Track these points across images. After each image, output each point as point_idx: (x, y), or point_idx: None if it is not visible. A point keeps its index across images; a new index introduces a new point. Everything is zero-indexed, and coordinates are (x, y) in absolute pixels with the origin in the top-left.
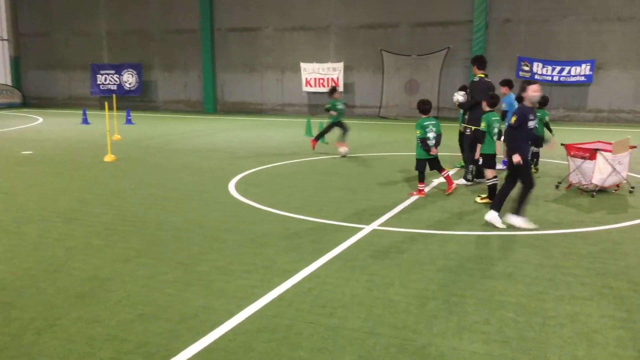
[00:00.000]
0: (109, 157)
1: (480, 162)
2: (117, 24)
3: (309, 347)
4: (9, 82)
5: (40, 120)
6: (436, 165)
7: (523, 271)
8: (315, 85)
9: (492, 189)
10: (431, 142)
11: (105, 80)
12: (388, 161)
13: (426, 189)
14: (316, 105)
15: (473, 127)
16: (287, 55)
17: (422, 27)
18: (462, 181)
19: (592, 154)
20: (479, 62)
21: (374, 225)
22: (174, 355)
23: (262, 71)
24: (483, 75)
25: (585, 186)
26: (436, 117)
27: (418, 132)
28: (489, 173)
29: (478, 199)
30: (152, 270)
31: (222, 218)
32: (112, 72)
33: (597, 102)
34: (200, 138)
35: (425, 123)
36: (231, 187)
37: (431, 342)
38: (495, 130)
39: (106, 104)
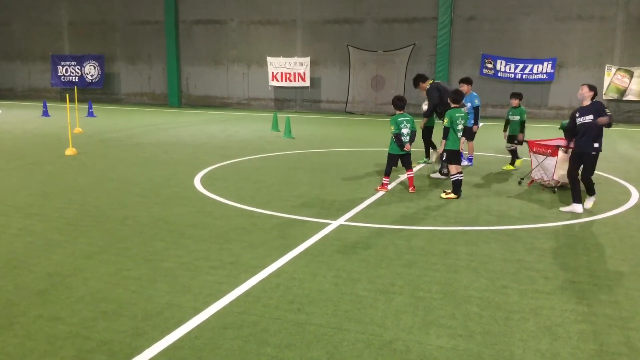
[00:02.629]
0: (70, 151)
1: (444, 157)
2: (79, 14)
3: (276, 343)
4: None
5: None
6: (407, 162)
7: (487, 266)
8: (281, 80)
9: (456, 184)
10: (405, 139)
11: (67, 71)
12: (354, 156)
13: (392, 185)
14: (283, 99)
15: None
16: (253, 49)
17: (388, 23)
18: (437, 175)
19: (553, 151)
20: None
21: (341, 220)
22: (138, 353)
23: (227, 65)
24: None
25: (547, 182)
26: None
27: (392, 127)
28: (453, 169)
29: (443, 195)
30: (115, 267)
31: (188, 213)
32: (74, 63)
33: (558, 99)
34: (164, 132)
35: (400, 119)
36: (197, 182)
37: (398, 337)
38: (460, 126)
39: (67, 96)
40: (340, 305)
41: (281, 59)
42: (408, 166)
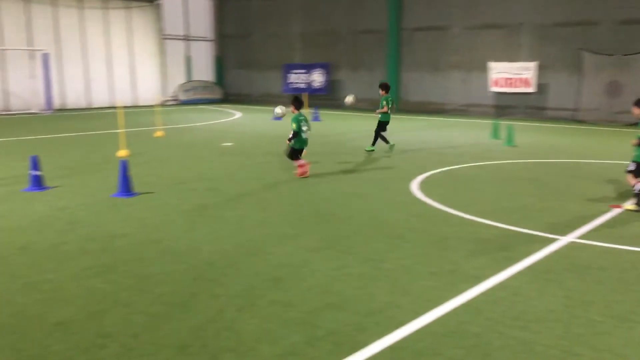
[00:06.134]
0: None
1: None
2: (309, 26)
3: (500, 358)
4: (212, 79)
5: (238, 115)
6: (298, 154)
7: None
8: (503, 86)
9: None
10: (306, 135)
11: (296, 79)
12: (584, 169)
13: (629, 202)
14: (504, 106)
15: None
16: (474, 54)
17: (627, 24)
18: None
19: None
20: None
21: (571, 237)
22: (362, 347)
23: (447, 70)
24: None
25: None
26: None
27: (294, 125)
28: (631, 179)
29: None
30: (339, 263)
31: (406, 217)
32: (303, 71)
33: None
34: None
35: (300, 118)
36: (414, 187)
37: None
38: None
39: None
40: (571, 327)
41: (504, 64)
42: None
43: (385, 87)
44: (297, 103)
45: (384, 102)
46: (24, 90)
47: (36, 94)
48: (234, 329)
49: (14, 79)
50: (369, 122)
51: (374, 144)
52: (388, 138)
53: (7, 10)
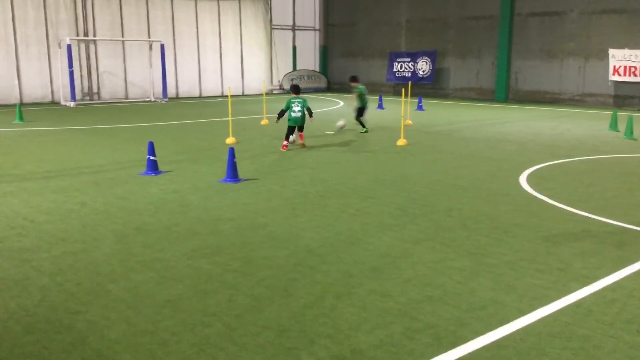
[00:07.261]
0: (401, 142)
1: None
2: (417, 13)
3: None
4: (317, 69)
5: (342, 103)
6: (300, 129)
7: None
8: (624, 74)
9: None
10: (296, 114)
11: (401, 67)
12: None
13: None
14: (624, 96)
15: None
16: (592, 40)
17: None
18: None
19: None
20: None
21: None
22: (463, 343)
23: (562, 58)
24: None
25: None
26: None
27: (285, 105)
28: None
29: None
30: (439, 255)
31: (512, 211)
32: (408, 59)
33: None
34: (489, 127)
35: (293, 100)
36: (522, 180)
37: None
38: None
39: (402, 90)
40: None
41: (626, 52)
42: (300, 130)
43: (356, 79)
44: (294, 88)
45: (357, 91)
46: (142, 79)
47: (153, 83)
48: (332, 316)
49: (133, 68)
50: (474, 111)
51: (364, 126)
52: (365, 124)
53: (128, 2)
